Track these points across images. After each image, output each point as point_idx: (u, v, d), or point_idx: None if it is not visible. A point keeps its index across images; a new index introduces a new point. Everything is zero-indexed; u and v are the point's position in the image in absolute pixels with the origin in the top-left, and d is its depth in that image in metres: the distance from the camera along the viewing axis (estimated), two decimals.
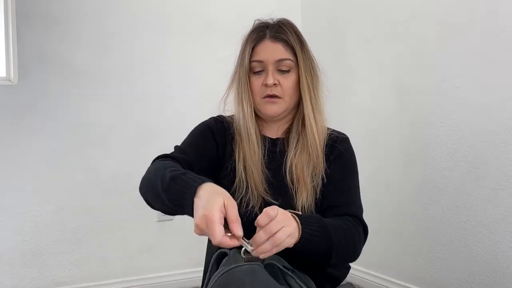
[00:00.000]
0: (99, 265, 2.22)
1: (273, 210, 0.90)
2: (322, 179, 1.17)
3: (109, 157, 2.26)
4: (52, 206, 2.15)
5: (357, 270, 2.22)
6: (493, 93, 1.59)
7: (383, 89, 2.08)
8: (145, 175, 1.12)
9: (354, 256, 1.12)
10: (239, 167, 1.17)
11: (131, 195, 2.28)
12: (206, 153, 1.19)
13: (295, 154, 1.18)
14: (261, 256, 0.90)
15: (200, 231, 0.85)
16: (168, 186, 0.94)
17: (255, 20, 1.25)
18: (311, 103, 1.18)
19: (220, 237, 0.82)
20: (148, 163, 2.47)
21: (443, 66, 1.78)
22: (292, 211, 0.98)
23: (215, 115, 1.29)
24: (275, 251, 0.90)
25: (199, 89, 2.39)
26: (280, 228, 0.89)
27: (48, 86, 2.16)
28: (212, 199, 0.85)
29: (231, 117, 1.26)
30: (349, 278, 2.20)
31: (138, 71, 2.32)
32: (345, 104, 2.32)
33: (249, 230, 0.97)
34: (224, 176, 1.20)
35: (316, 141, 1.17)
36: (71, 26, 2.21)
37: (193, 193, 0.88)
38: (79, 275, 2.19)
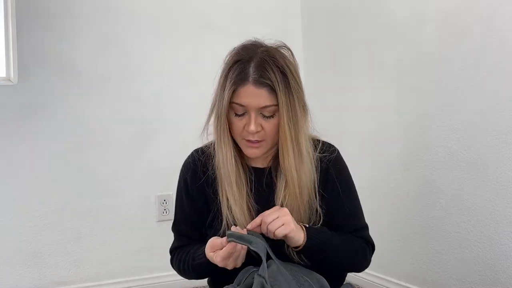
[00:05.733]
0: (99, 265, 2.22)
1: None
2: (320, 216, 1.16)
3: (109, 157, 2.26)
4: (52, 206, 2.15)
5: None
6: (493, 93, 1.59)
7: (383, 89, 2.08)
8: (174, 267, 1.29)
9: (359, 270, 1.26)
10: (224, 209, 1.13)
11: (131, 195, 2.29)
12: (199, 215, 1.23)
13: (285, 196, 1.12)
14: (248, 227, 1.07)
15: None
16: (194, 269, 1.20)
17: (235, 47, 1.14)
18: (293, 153, 1.09)
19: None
20: (148, 163, 2.48)
21: (443, 66, 1.78)
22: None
23: (194, 150, 1.25)
24: (264, 229, 1.06)
25: (199, 88, 2.38)
26: (276, 217, 1.06)
27: (48, 86, 2.16)
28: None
29: (214, 145, 1.18)
30: (349, 278, 2.20)
31: (138, 71, 2.32)
32: (345, 104, 2.31)
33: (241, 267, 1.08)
34: (213, 218, 1.18)
35: (298, 195, 1.11)
36: (71, 26, 2.21)
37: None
38: (79, 275, 2.19)
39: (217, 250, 1.06)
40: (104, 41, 2.26)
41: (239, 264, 1.07)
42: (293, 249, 1.11)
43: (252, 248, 1.01)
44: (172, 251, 1.29)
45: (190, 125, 2.34)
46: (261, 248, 1.01)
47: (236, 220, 1.12)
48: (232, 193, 1.12)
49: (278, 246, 1.11)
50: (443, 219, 1.79)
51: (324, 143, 1.21)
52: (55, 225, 2.15)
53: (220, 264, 1.06)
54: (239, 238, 1.01)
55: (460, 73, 1.71)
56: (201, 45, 2.42)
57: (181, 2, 2.41)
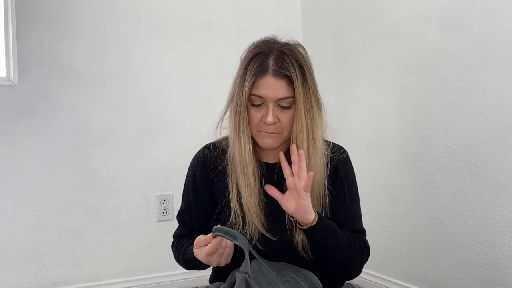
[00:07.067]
0: (99, 265, 2.22)
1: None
2: (326, 215, 1.18)
3: (109, 157, 2.26)
4: (52, 206, 2.15)
5: None
6: (493, 93, 1.59)
7: (383, 89, 2.08)
8: (173, 252, 1.31)
9: (353, 272, 1.21)
10: (233, 202, 1.15)
11: (131, 195, 2.29)
12: (203, 210, 1.24)
13: None
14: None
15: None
16: (184, 262, 1.24)
17: (254, 42, 1.15)
18: (307, 144, 1.12)
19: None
20: (148, 163, 2.48)
21: (443, 66, 1.78)
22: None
23: (206, 145, 1.26)
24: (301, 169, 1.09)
25: (199, 89, 2.39)
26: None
27: (48, 86, 2.16)
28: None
29: (226, 140, 1.21)
30: None
31: (138, 71, 2.32)
32: (345, 104, 2.32)
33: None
34: (220, 211, 1.19)
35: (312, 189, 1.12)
36: (71, 26, 2.21)
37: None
38: (79, 275, 2.19)
39: (202, 247, 1.07)
40: (104, 41, 2.26)
41: (222, 263, 1.07)
42: (301, 226, 1.11)
43: (236, 243, 1.03)
44: (174, 237, 1.33)
45: (190, 125, 2.37)
46: (245, 244, 1.03)
47: (249, 211, 1.13)
48: (248, 184, 1.14)
49: (287, 243, 1.13)
50: (443, 219, 1.79)
51: (334, 144, 1.24)
52: (55, 225, 2.15)
53: (203, 260, 1.07)
54: (225, 232, 1.03)
55: (460, 73, 1.71)
56: (201, 45, 2.42)
57: (181, 2, 2.41)
